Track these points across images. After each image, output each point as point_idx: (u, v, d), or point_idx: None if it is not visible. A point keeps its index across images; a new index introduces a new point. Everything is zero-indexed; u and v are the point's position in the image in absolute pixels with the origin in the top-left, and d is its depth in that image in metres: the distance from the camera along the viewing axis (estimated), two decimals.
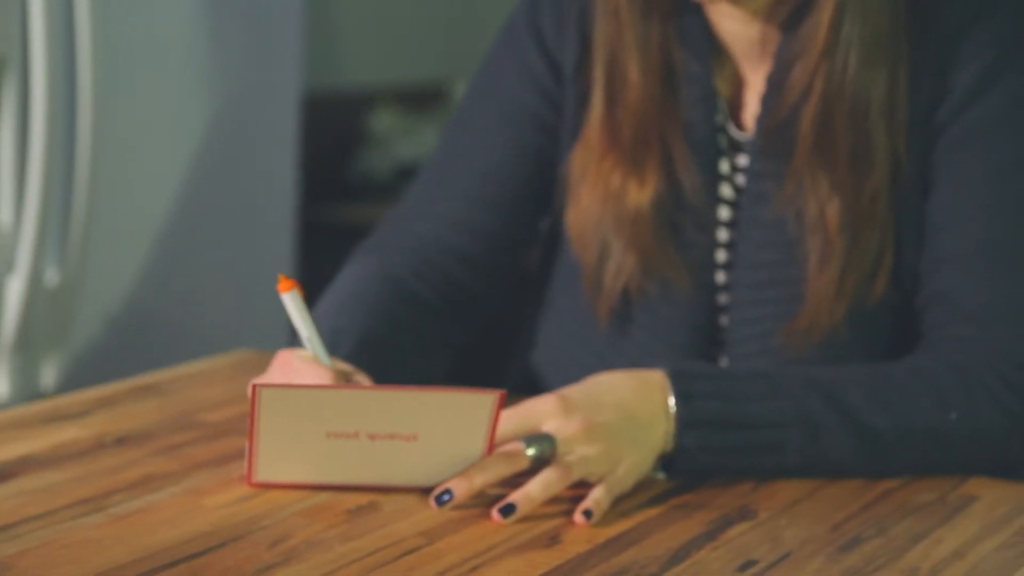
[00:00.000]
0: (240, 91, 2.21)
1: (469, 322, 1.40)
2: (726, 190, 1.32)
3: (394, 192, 2.93)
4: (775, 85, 1.26)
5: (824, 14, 1.21)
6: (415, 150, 3.04)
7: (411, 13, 3.32)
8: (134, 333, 2.07)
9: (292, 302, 1.10)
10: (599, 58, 1.30)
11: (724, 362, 1.32)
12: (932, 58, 1.25)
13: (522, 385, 1.43)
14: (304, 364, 1.10)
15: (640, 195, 1.29)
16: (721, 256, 1.32)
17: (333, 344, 1.19)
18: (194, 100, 2.15)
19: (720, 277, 1.32)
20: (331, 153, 3.04)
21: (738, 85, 1.31)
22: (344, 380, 1.11)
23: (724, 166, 1.31)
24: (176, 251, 2.13)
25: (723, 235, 1.32)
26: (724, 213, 1.32)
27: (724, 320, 1.32)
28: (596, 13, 1.30)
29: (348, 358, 1.18)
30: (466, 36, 3.33)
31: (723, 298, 1.32)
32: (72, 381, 1.93)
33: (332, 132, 3.03)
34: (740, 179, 1.31)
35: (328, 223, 2.85)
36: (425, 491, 1.09)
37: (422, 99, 3.21)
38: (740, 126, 1.31)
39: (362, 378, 1.13)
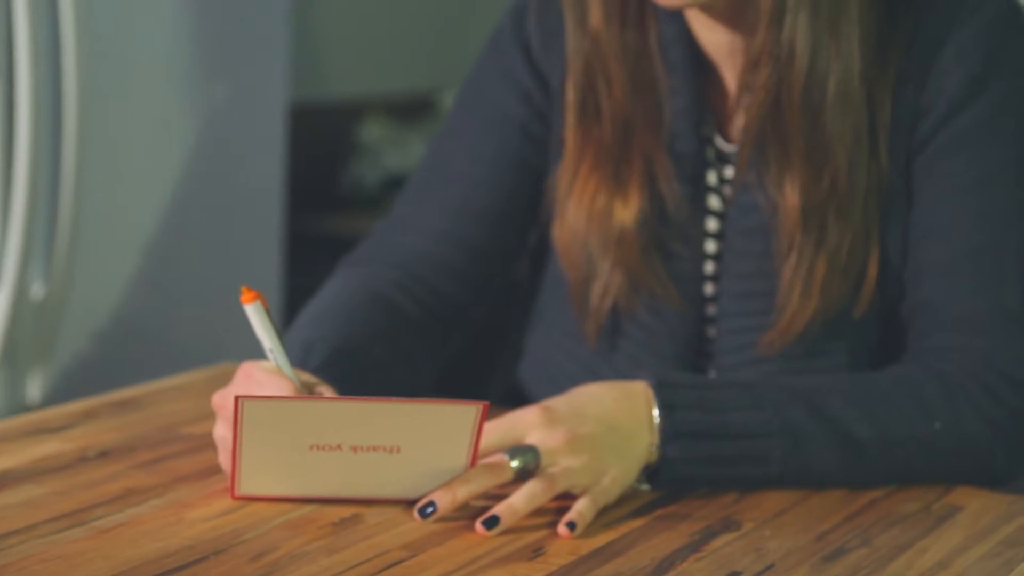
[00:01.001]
0: (227, 103, 2.21)
1: (455, 334, 1.39)
2: (714, 202, 1.31)
3: (383, 203, 2.93)
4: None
5: None
6: (403, 161, 3.04)
7: (399, 24, 3.32)
8: (121, 346, 2.07)
9: (255, 314, 1.09)
10: (572, 76, 1.30)
11: (712, 373, 1.32)
12: (916, 67, 1.25)
13: (509, 396, 1.42)
14: (266, 375, 1.09)
15: (625, 213, 1.29)
16: (709, 268, 1.32)
17: (305, 354, 1.18)
18: (181, 111, 2.14)
19: (708, 288, 1.32)
20: (320, 164, 3.04)
21: (723, 97, 1.31)
22: (307, 392, 1.10)
23: (712, 178, 1.31)
24: (163, 263, 2.13)
25: (711, 247, 1.32)
26: (712, 225, 1.31)
27: (712, 331, 1.32)
28: (567, 27, 1.30)
29: (320, 368, 1.17)
30: (454, 47, 3.33)
31: (711, 309, 1.32)
32: (58, 394, 1.93)
33: (321, 143, 3.03)
34: (728, 191, 1.31)
35: (317, 234, 2.85)
36: (409, 503, 1.08)
37: (410, 110, 3.22)
38: (727, 138, 1.31)
39: (325, 390, 1.12)
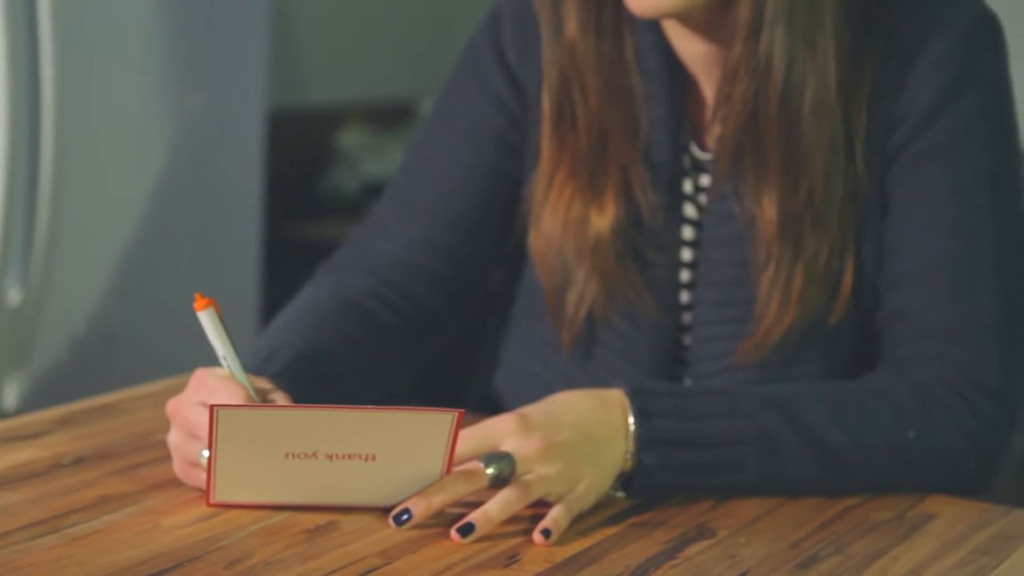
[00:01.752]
0: (206, 109, 2.21)
1: (431, 342, 1.39)
2: (690, 210, 1.32)
3: (362, 209, 2.93)
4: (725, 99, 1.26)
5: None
6: (383, 167, 3.04)
7: (378, 31, 3.32)
8: (98, 352, 2.06)
9: (208, 320, 1.10)
10: (547, 85, 1.30)
11: (688, 381, 1.32)
12: (892, 76, 1.25)
13: (484, 404, 1.42)
14: (219, 382, 1.09)
15: (600, 221, 1.29)
16: (685, 276, 1.32)
17: (267, 360, 1.18)
18: (160, 117, 2.14)
19: (684, 296, 1.32)
20: (299, 171, 3.04)
21: (699, 106, 1.32)
22: (260, 398, 1.10)
23: (688, 186, 1.32)
24: (141, 269, 2.13)
25: (687, 255, 1.32)
26: (688, 233, 1.32)
27: (687, 339, 1.32)
28: (543, 36, 1.30)
29: (279, 373, 1.17)
30: (434, 54, 3.33)
31: (687, 317, 1.32)
32: (35, 401, 1.92)
33: (300, 150, 3.03)
34: (703, 199, 1.31)
35: (295, 240, 2.85)
36: (384, 511, 1.08)
37: (390, 117, 3.22)
38: (702, 146, 1.32)
39: (280, 396, 1.11)
